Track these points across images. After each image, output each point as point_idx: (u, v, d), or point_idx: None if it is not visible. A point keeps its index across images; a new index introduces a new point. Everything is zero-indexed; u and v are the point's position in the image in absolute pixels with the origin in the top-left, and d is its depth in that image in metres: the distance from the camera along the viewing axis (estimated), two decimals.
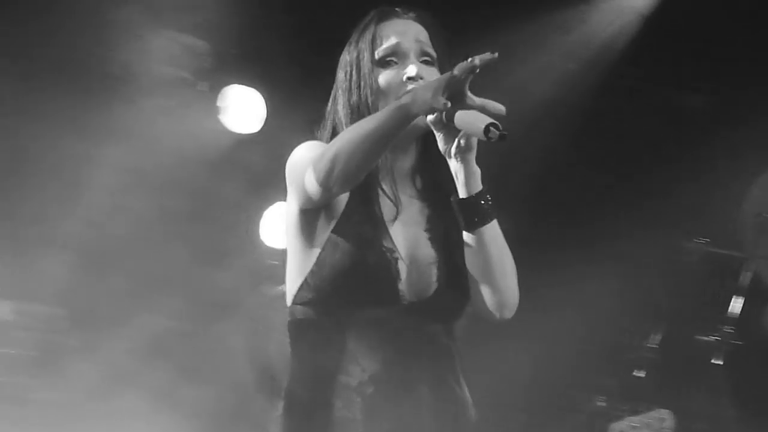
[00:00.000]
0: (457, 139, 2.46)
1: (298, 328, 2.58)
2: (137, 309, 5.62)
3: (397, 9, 2.68)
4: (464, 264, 2.56)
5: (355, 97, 2.61)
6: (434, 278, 2.56)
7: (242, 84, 6.02)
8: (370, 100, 2.59)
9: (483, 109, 2.35)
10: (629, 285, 6.06)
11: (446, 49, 2.67)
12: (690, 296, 6.17)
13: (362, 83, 2.60)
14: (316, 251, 2.53)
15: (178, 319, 5.71)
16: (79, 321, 5.64)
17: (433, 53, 2.65)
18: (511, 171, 5.02)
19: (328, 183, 2.42)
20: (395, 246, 2.54)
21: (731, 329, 5.82)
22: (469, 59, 2.29)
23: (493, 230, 2.54)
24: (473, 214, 2.51)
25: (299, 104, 5.52)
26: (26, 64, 5.41)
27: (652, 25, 5.96)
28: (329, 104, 2.68)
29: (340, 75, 2.65)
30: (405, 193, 2.63)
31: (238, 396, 5.62)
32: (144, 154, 5.50)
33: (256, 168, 5.79)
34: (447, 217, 2.60)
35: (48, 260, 5.41)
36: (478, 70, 2.29)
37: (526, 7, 5.75)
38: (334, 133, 2.60)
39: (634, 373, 6.06)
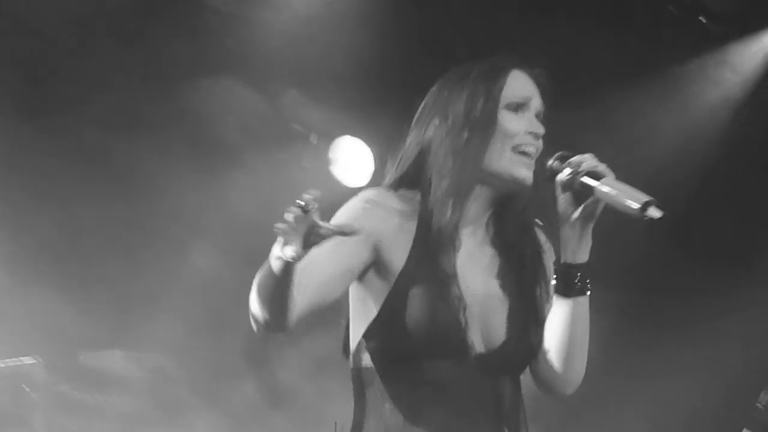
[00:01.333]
0: (583, 206, 2.46)
1: (363, 377, 2.54)
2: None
3: (528, 67, 2.67)
4: (537, 322, 2.56)
5: (468, 132, 2.55)
6: (504, 329, 2.54)
7: (352, 136, 6.05)
8: (485, 137, 2.55)
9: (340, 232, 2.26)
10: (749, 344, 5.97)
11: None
12: None
13: (483, 119, 2.55)
14: (381, 296, 2.50)
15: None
16: (189, 371, 5.71)
17: (542, 118, 2.65)
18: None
19: (267, 333, 2.43)
20: (463, 294, 2.51)
21: None
22: (298, 202, 2.22)
23: (584, 305, 2.53)
24: (574, 281, 2.51)
25: None
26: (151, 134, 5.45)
27: None
28: (415, 137, 2.60)
29: (458, 108, 2.58)
30: (476, 239, 2.61)
31: None
32: (257, 209, 5.48)
33: None
34: (522, 272, 2.59)
35: (159, 310, 5.46)
36: (311, 211, 2.20)
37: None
38: (421, 161, 2.56)
39: None
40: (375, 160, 5.99)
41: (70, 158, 5.36)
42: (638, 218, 2.31)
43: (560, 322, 2.52)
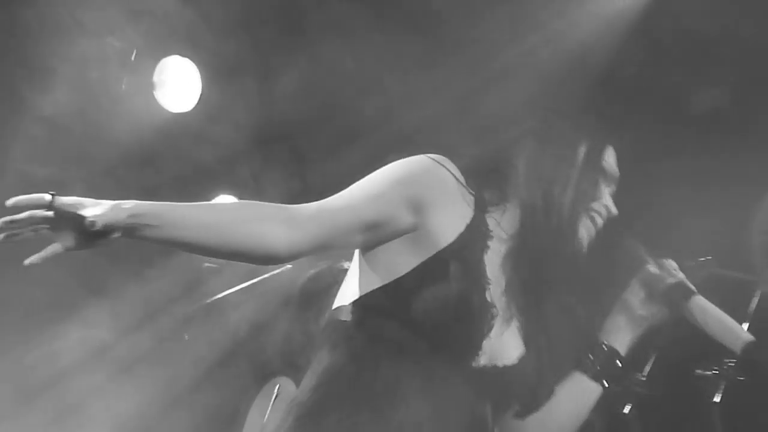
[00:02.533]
0: (659, 310, 2.65)
1: (353, 331, 2.39)
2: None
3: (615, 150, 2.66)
4: (546, 365, 2.54)
5: (580, 172, 2.52)
6: (515, 355, 2.47)
7: (178, 55, 5.42)
8: (590, 188, 2.53)
9: None
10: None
11: None
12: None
13: (593, 164, 2.55)
14: (414, 260, 2.37)
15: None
16: None
17: None
18: None
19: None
20: (493, 302, 2.42)
21: (732, 362, 5.16)
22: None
23: (593, 392, 2.63)
24: (616, 368, 2.62)
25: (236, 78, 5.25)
26: None
27: None
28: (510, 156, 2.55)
29: (571, 145, 2.54)
30: (503, 256, 2.51)
31: None
32: (63, 136, 4.96)
33: (196, 154, 5.36)
34: (548, 315, 2.56)
35: None
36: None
37: None
38: (508, 173, 2.53)
39: (621, 410, 5.46)
40: (202, 82, 5.40)
41: None
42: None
43: (572, 403, 2.63)
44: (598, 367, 2.62)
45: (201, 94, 5.37)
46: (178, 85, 5.35)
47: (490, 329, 2.40)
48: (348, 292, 2.46)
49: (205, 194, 5.52)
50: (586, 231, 2.53)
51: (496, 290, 2.45)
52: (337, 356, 2.39)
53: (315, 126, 5.30)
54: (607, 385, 2.61)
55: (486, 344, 2.40)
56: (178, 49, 5.38)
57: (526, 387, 2.51)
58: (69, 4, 4.90)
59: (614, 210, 2.58)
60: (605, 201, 2.58)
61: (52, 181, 4.95)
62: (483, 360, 2.41)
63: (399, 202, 2.39)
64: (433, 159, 2.45)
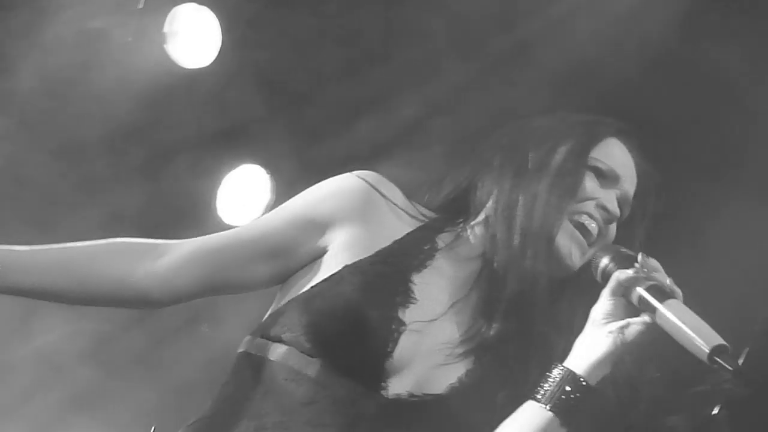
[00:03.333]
0: (629, 321, 2.16)
1: (247, 365, 2.24)
2: None
3: (633, 142, 2.46)
4: (495, 391, 2.24)
5: (551, 179, 2.33)
6: (447, 383, 2.22)
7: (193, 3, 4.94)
8: (564, 195, 2.32)
9: None
10: None
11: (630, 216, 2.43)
12: None
13: (568, 168, 2.34)
14: (315, 279, 2.27)
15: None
16: None
17: (625, 213, 2.41)
18: None
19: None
20: (410, 320, 2.22)
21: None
22: None
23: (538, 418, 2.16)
24: (574, 400, 2.15)
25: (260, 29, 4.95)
26: None
27: None
28: (474, 168, 2.41)
29: (542, 150, 2.37)
30: (459, 278, 2.34)
31: None
32: (61, 97, 4.56)
33: (212, 116, 4.94)
34: (510, 346, 2.30)
35: None
36: None
37: None
38: (468, 192, 2.41)
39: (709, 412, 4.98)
40: (223, 35, 4.94)
41: None
42: (704, 363, 2.07)
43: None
44: (545, 392, 2.17)
45: (220, 48, 4.92)
46: (193, 36, 4.91)
47: (393, 348, 2.20)
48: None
49: (224, 163, 5.12)
50: (576, 246, 2.31)
51: (430, 311, 2.27)
52: (226, 388, 2.27)
53: (346, 84, 4.88)
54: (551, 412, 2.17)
55: (399, 367, 2.20)
56: None
57: (453, 423, 2.23)
58: None
59: (615, 211, 2.35)
60: (604, 202, 2.34)
61: (49, 150, 4.63)
62: (398, 387, 2.20)
63: (303, 223, 2.30)
64: (358, 176, 2.35)
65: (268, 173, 5.02)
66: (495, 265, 2.32)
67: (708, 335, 2.06)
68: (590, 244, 2.31)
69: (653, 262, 2.20)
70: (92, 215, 4.61)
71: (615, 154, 2.41)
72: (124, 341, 5.08)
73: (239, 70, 4.91)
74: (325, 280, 2.24)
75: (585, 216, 2.33)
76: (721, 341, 2.05)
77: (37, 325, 4.88)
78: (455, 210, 2.39)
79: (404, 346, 2.19)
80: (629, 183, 2.40)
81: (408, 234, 2.31)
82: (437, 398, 2.20)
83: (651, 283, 2.15)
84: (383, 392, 2.17)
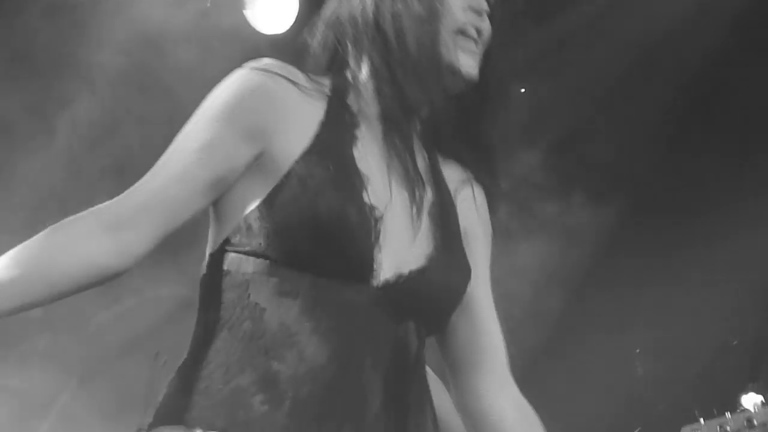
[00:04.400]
0: None
1: (219, 284, 2.10)
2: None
3: None
4: (463, 262, 2.20)
5: (401, 7, 2.16)
6: (423, 259, 2.14)
7: None
8: (423, 14, 2.16)
9: None
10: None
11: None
12: None
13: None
14: (268, 183, 2.08)
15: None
16: None
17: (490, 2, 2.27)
18: None
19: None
20: (381, 205, 2.11)
21: None
22: None
23: None
24: None
25: None
26: None
27: None
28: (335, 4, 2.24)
29: None
30: (393, 140, 2.18)
31: None
32: (143, 66, 4.56)
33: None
34: (447, 201, 2.24)
35: None
36: None
37: None
38: (342, 33, 2.21)
39: None
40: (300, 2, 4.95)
41: None
42: None
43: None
44: None
45: (298, 14, 4.91)
46: (271, 3, 4.89)
47: (377, 236, 2.10)
48: (207, 245, 2.19)
49: None
50: (468, 55, 2.18)
51: (382, 185, 2.16)
52: (209, 315, 2.12)
53: None
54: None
55: (383, 253, 2.10)
56: None
57: (440, 290, 2.17)
58: None
59: (482, 4, 2.21)
60: (469, 2, 2.20)
61: (129, 112, 4.66)
62: (385, 273, 2.10)
63: (232, 141, 2.10)
64: (260, 69, 2.14)
65: None
66: (395, 120, 2.20)
67: None
68: (477, 44, 2.22)
69: None
70: None
71: None
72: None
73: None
74: (282, 184, 2.10)
75: (463, 24, 2.20)
76: None
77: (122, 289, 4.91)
78: (338, 70, 2.25)
79: (382, 229, 2.11)
80: None
81: (326, 111, 2.18)
82: (421, 271, 2.15)
83: None
84: (373, 281, 2.09)
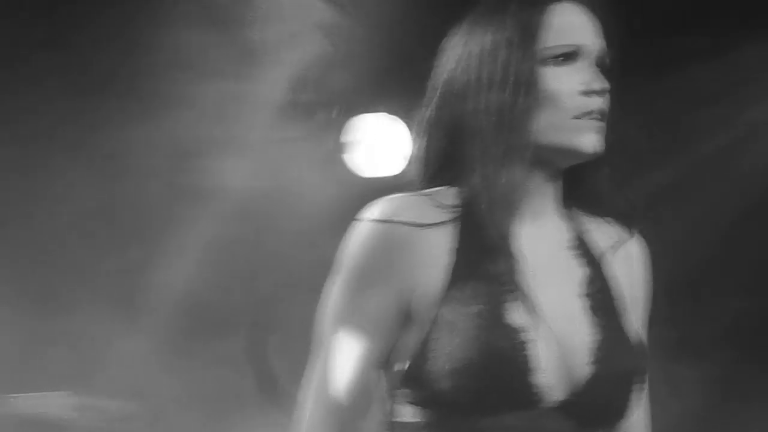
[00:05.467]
0: None
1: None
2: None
3: None
4: (630, 339, 2.09)
5: (501, 98, 2.05)
6: (588, 360, 2.04)
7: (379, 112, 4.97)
8: (524, 105, 2.03)
9: None
10: None
11: (617, 55, 2.17)
12: None
13: (521, 78, 2.04)
14: (422, 333, 2.02)
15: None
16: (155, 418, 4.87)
17: (608, 61, 2.14)
18: None
19: None
20: (529, 322, 2.01)
21: None
22: None
23: None
24: None
25: None
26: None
27: None
28: (440, 104, 2.09)
29: (490, 58, 2.07)
30: (546, 240, 2.12)
31: None
32: (254, 204, 4.58)
33: None
34: (600, 274, 2.13)
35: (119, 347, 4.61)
36: None
37: None
38: (453, 136, 2.08)
39: None
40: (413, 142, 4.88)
41: None
42: None
43: None
44: None
45: (411, 156, 4.87)
46: (384, 146, 4.98)
47: (532, 361, 2.02)
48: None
49: None
50: (591, 131, 2.06)
51: (535, 293, 2.06)
52: None
53: None
54: None
55: (544, 375, 2.02)
56: (386, 105, 4.99)
57: (624, 386, 2.09)
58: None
59: (598, 85, 2.08)
60: (582, 86, 2.06)
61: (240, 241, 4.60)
62: (551, 394, 2.03)
63: (385, 307, 2.05)
64: (381, 221, 2.05)
65: None
66: (481, 226, 2.09)
67: None
68: (600, 120, 2.10)
69: None
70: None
71: (567, 20, 2.13)
72: None
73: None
74: (431, 331, 2.05)
75: (579, 108, 2.09)
76: None
77: None
78: (458, 177, 2.13)
79: (536, 348, 2.05)
80: (595, 40, 2.14)
81: (459, 234, 2.09)
82: (588, 381, 2.06)
83: None
84: (541, 405, 2.04)
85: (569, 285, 2.12)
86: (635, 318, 2.18)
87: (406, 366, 2.05)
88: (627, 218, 2.19)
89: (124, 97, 4.54)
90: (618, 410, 2.09)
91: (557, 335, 2.06)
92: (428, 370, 2.02)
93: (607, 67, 2.11)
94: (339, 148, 4.89)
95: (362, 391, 2.08)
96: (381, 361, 2.06)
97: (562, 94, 2.06)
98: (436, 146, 2.11)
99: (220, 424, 4.93)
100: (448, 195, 2.08)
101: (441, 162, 2.10)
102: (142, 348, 4.58)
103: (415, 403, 2.06)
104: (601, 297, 2.13)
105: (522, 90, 2.05)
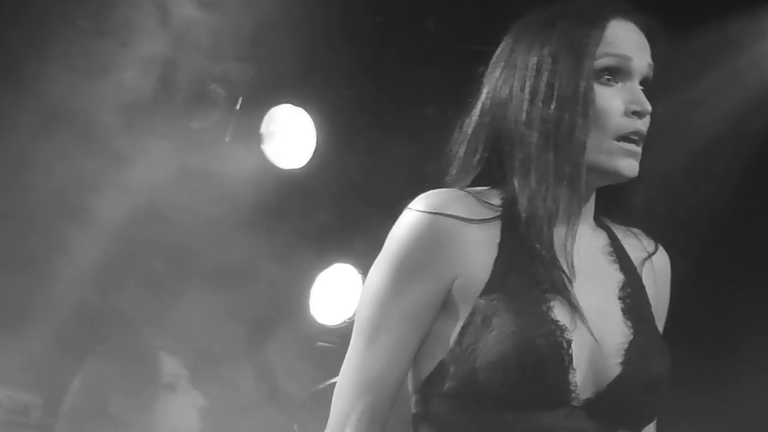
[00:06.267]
0: None
1: (423, 425, 2.11)
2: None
3: (634, 10, 2.15)
4: (661, 343, 2.13)
5: (558, 110, 2.06)
6: (620, 361, 2.06)
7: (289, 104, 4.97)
8: (579, 122, 2.05)
9: None
10: None
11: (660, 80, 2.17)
12: None
13: (573, 96, 2.06)
14: (458, 323, 2.06)
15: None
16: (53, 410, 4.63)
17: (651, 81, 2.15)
18: None
19: None
20: (568, 320, 2.04)
21: None
22: None
23: None
24: None
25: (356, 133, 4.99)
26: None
27: None
28: (485, 109, 2.13)
29: (540, 72, 2.09)
30: (587, 246, 2.15)
31: None
32: (158, 194, 4.49)
33: (305, 215, 4.91)
34: (634, 280, 2.17)
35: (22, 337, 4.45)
36: None
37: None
38: (497, 143, 2.12)
39: None
40: (317, 134, 4.99)
41: None
42: None
43: None
44: None
45: (315, 149, 4.98)
46: (289, 137, 4.95)
47: (570, 359, 2.03)
48: (409, 384, 2.18)
49: (319, 263, 5.12)
50: (629, 157, 2.09)
51: (567, 296, 2.08)
52: None
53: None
54: None
55: (579, 373, 2.04)
56: (291, 97, 4.97)
57: (651, 388, 2.11)
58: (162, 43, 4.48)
59: (646, 107, 2.09)
60: (629, 106, 2.09)
61: (151, 243, 4.59)
62: (584, 392, 2.06)
63: (424, 297, 2.08)
64: (429, 212, 2.08)
65: (360, 273, 5.00)
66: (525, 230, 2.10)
67: None
68: (639, 144, 2.11)
69: None
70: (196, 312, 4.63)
71: (625, 38, 2.13)
72: None
73: (333, 172, 4.97)
74: (468, 324, 2.06)
75: (622, 129, 2.10)
76: None
77: None
78: (500, 181, 2.16)
79: (575, 348, 2.05)
80: (647, 60, 2.14)
81: (501, 233, 2.11)
82: (620, 380, 2.07)
83: None
84: (574, 402, 2.04)
85: (606, 287, 2.14)
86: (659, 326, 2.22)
87: (439, 357, 2.07)
88: (655, 232, 2.22)
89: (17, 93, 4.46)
90: (642, 413, 2.11)
91: (595, 335, 2.07)
92: (461, 362, 2.04)
93: (650, 87, 2.12)
94: (243, 139, 4.88)
95: (396, 380, 2.09)
96: (413, 351, 2.08)
97: (608, 112, 2.07)
98: (476, 151, 2.13)
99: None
100: (491, 195, 2.11)
101: (482, 166, 2.13)
102: (39, 341, 4.47)
103: (443, 395, 2.07)
104: (635, 301, 2.15)
105: (571, 106, 2.06)
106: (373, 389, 2.08)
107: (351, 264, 5.08)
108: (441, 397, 2.08)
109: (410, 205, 2.09)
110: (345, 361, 2.12)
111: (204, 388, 4.19)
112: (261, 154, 4.88)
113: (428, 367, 2.09)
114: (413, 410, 2.15)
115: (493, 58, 2.17)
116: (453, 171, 2.17)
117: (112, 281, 4.61)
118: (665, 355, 2.13)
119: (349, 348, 2.11)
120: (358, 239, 4.96)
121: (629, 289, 2.15)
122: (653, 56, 2.13)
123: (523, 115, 2.08)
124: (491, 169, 2.13)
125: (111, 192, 4.49)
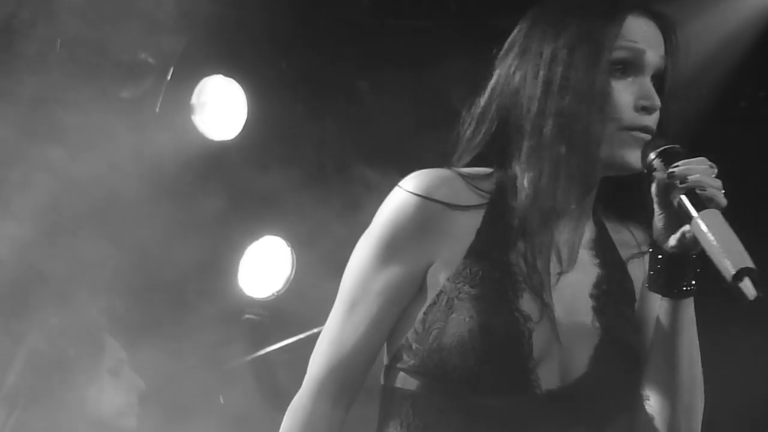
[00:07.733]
0: (681, 233, 2.00)
1: (390, 399, 2.15)
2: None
3: (648, 3, 2.15)
4: (634, 341, 2.13)
5: (567, 105, 2.04)
6: (588, 362, 2.08)
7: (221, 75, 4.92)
8: (594, 117, 2.04)
9: None
10: None
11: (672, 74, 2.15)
12: None
13: (589, 90, 2.04)
14: (426, 304, 2.10)
15: None
16: None
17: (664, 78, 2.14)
18: None
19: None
20: (535, 312, 2.06)
21: None
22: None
23: (691, 311, 2.08)
24: (683, 274, 2.03)
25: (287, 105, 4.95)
26: None
27: None
28: (496, 92, 2.13)
29: (555, 61, 2.08)
30: (568, 241, 2.14)
31: None
32: (84, 165, 4.40)
33: (235, 187, 4.85)
34: (616, 276, 2.17)
35: None
36: None
37: None
38: (504, 127, 2.12)
39: None
40: (248, 106, 4.93)
41: None
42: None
43: (661, 338, 2.09)
44: (662, 279, 2.05)
45: (246, 120, 4.92)
46: (220, 109, 4.90)
47: (530, 347, 2.05)
48: (384, 356, 2.24)
49: (248, 235, 5.08)
50: (638, 149, 2.07)
51: (540, 287, 2.10)
52: (382, 428, 2.18)
53: (378, 159, 4.75)
54: (673, 294, 2.06)
55: (542, 362, 2.06)
56: (222, 68, 4.92)
57: (617, 389, 2.12)
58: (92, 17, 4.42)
59: (655, 102, 2.09)
60: (639, 101, 2.08)
61: (79, 214, 4.51)
62: (546, 383, 2.07)
63: (404, 277, 2.12)
64: (417, 194, 2.11)
65: (289, 246, 5.00)
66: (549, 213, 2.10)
67: (737, 256, 1.86)
68: (645, 137, 2.09)
69: (696, 164, 1.98)
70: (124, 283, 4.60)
71: (641, 31, 2.12)
72: None
73: (263, 144, 4.93)
74: (433, 304, 2.10)
75: (632, 122, 2.09)
76: (749, 264, 1.86)
77: None
78: (500, 164, 2.18)
79: (538, 338, 2.06)
80: (660, 53, 2.13)
81: (484, 217, 2.12)
82: (585, 376, 2.09)
83: (689, 186, 1.95)
84: (536, 391, 2.07)
85: (582, 283, 2.16)
86: (641, 321, 2.19)
87: (405, 334, 2.11)
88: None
89: None
90: (603, 413, 2.12)
91: (561, 328, 2.09)
92: (422, 341, 2.08)
93: (661, 83, 2.11)
94: (174, 110, 4.83)
95: (369, 353, 2.14)
96: (390, 326, 2.12)
97: (619, 106, 2.06)
98: (480, 132, 2.14)
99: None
100: (484, 179, 2.13)
101: (482, 148, 2.14)
102: None
103: (407, 370, 2.12)
104: (611, 298, 2.16)
105: (587, 100, 2.04)
106: (346, 358, 2.12)
107: (280, 236, 5.06)
108: (405, 372, 2.12)
109: (401, 183, 2.11)
110: (325, 326, 2.16)
111: (135, 360, 4.18)
112: (191, 124, 4.84)
113: (396, 343, 2.13)
114: (381, 381, 2.19)
115: (506, 43, 2.15)
116: (458, 150, 2.17)
117: (37, 255, 4.55)
118: (630, 361, 2.13)
119: (331, 313, 2.15)
120: (288, 212, 4.95)
121: (604, 287, 2.16)
122: (667, 50, 2.12)
123: (536, 104, 2.07)
124: (492, 152, 2.14)
125: (38, 163, 4.43)
